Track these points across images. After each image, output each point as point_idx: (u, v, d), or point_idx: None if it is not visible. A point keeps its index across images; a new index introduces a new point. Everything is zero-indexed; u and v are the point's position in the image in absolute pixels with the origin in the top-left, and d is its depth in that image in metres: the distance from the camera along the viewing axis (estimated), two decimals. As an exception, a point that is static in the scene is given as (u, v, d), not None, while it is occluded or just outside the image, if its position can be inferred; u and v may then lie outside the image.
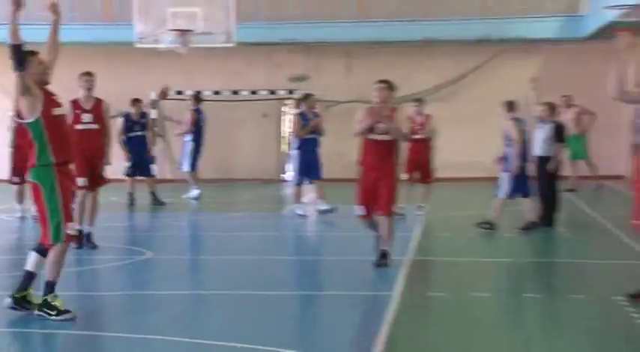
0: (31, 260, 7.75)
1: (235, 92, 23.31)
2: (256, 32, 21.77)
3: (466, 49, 22.73)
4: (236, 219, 15.74)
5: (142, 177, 17.33)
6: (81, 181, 10.83)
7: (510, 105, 13.54)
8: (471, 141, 22.12)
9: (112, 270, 10.63)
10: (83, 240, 11.26)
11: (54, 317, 7.51)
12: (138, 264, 10.89)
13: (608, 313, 8.01)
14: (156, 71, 22.90)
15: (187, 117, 18.47)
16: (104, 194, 11.70)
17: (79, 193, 10.99)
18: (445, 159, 21.50)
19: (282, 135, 24.22)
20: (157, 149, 19.57)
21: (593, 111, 19.03)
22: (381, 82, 10.21)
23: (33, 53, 7.66)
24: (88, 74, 11.51)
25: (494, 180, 13.72)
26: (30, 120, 7.61)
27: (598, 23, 19.32)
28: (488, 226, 13.10)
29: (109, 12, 22.54)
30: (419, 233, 13.09)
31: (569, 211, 15.15)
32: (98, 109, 11.44)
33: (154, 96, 22.94)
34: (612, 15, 17.54)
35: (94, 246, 11.39)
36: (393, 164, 10.27)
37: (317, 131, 15.21)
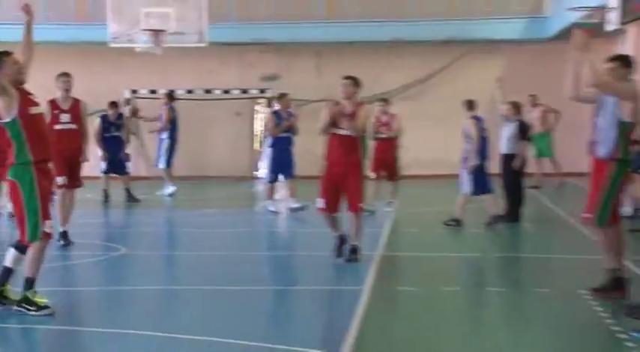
0: (10, 256, 7.73)
1: (208, 91, 23.28)
2: (228, 32, 21.73)
3: (433, 49, 22.82)
4: (209, 215, 15.71)
5: (116, 175, 17.33)
6: (60, 180, 10.86)
7: (470, 104, 13.62)
8: (438, 139, 22.20)
9: (88, 266, 10.58)
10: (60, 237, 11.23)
11: (33, 312, 7.51)
12: (113, 259, 10.85)
13: (572, 306, 8.07)
14: (130, 70, 22.85)
15: (163, 115, 18.45)
16: (79, 191, 11.65)
17: (59, 192, 11.00)
18: (414, 156, 21.66)
19: (254, 133, 24.21)
20: (131, 147, 19.50)
21: (558, 110, 19.17)
22: (347, 78, 10.20)
23: (7, 53, 7.62)
24: (66, 75, 11.45)
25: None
26: (7, 120, 7.57)
27: (561, 24, 19.47)
28: (455, 223, 13.18)
29: (83, 12, 22.40)
30: (388, 229, 13.13)
31: (533, 207, 15.26)
32: (76, 109, 11.39)
33: (127, 94, 22.97)
34: (575, 17, 17.68)
35: (70, 243, 11.32)
36: (358, 160, 10.22)
37: (291, 130, 15.20)
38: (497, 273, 10.33)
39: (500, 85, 14.47)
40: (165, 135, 18.38)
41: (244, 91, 23.47)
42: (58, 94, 11.38)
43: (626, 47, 17.43)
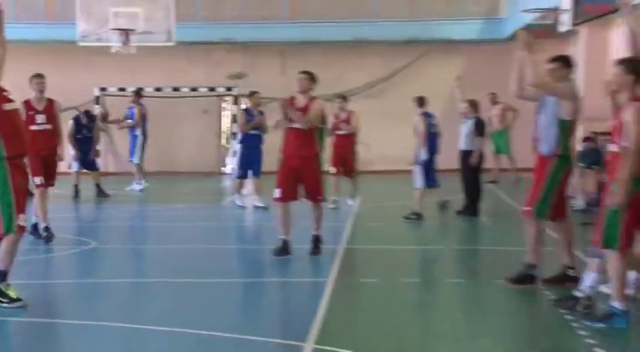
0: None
1: (176, 89, 23.22)
2: (196, 32, 21.67)
3: (395, 49, 22.90)
4: (178, 210, 15.67)
5: (86, 170, 17.31)
6: (38, 180, 10.92)
7: (420, 101, 13.72)
8: (401, 136, 22.14)
9: (60, 260, 10.53)
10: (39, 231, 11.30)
11: (5, 304, 7.46)
12: (84, 253, 10.80)
13: (528, 296, 8.17)
14: (100, 69, 22.72)
15: (135, 112, 18.63)
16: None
17: (37, 191, 11.00)
18: (377, 153, 21.76)
19: (222, 130, 24.18)
20: (101, 143, 19.45)
21: (517, 108, 19.30)
22: (303, 72, 10.18)
23: (-21, 52, 7.52)
24: (40, 76, 11.35)
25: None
26: (-19, 116, 7.49)
27: (515, 25, 19.57)
28: (415, 217, 13.25)
29: (52, 11, 22.25)
30: (352, 223, 13.17)
31: (491, 201, 15.38)
32: (51, 109, 11.30)
33: (97, 92, 22.85)
34: (529, 18, 17.84)
35: (41, 237, 11.27)
36: (314, 153, 10.20)
37: (261, 128, 15.13)
38: (456, 265, 10.40)
39: (460, 84, 14.58)
40: (138, 132, 18.61)
41: (211, 89, 23.43)
42: (32, 95, 11.29)
43: (578, 48, 17.63)
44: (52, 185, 11.38)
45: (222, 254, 10.89)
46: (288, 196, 10.06)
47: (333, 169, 15.04)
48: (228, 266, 10.16)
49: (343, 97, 15.74)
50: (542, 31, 18.43)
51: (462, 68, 20.85)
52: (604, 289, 7.25)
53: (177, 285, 8.76)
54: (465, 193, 13.93)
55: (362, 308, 7.86)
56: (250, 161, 14.98)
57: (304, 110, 10.01)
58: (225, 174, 22.90)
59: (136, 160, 18.60)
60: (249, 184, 15.42)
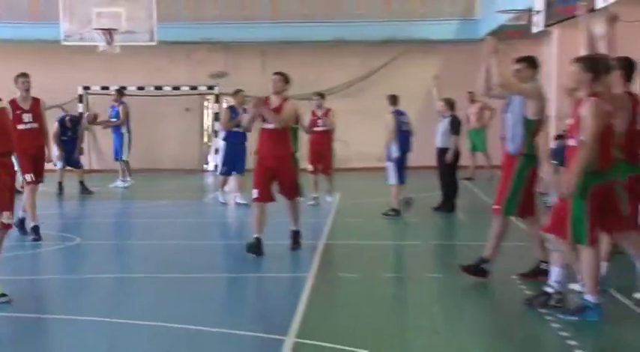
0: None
1: (159, 88, 23.14)
2: (177, 32, 21.62)
3: (373, 48, 22.92)
4: (161, 206, 15.63)
5: (70, 168, 17.25)
6: (28, 177, 10.91)
7: (393, 99, 13.73)
8: (378, 134, 22.12)
9: (45, 256, 10.49)
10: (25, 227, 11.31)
11: (-10, 300, 7.42)
12: (69, 249, 10.75)
13: (505, 290, 8.22)
14: (83, 68, 22.62)
15: (119, 111, 18.65)
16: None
17: (27, 188, 10.97)
18: (356, 150, 21.78)
19: (204, 128, 24.15)
20: (84, 141, 19.37)
21: (494, 107, 19.35)
22: (277, 73, 10.17)
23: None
24: (25, 75, 11.28)
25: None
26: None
27: (490, 26, 19.69)
28: (394, 213, 13.28)
29: (35, 11, 22.14)
30: (331, 219, 13.18)
31: (467, 198, 15.45)
32: (37, 108, 11.24)
33: (80, 91, 22.76)
34: (503, 18, 17.92)
35: (27, 233, 11.23)
36: (289, 153, 10.18)
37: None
38: (434, 260, 10.43)
39: (437, 83, 14.61)
40: (124, 130, 18.68)
41: (193, 88, 23.37)
42: (17, 94, 11.23)
43: (551, 48, 17.72)
44: (41, 182, 11.34)
45: (205, 249, 10.88)
46: (265, 197, 10.04)
47: (310, 167, 15.02)
48: (211, 262, 10.13)
49: (320, 95, 15.69)
50: (516, 31, 18.57)
51: (438, 67, 20.90)
52: (575, 287, 7.30)
53: (161, 280, 8.75)
54: (442, 190, 13.98)
55: (341, 303, 7.88)
56: (234, 158, 14.93)
57: (278, 110, 10.01)
58: (208, 171, 22.86)
59: (124, 157, 18.64)
60: (231, 181, 15.39)
